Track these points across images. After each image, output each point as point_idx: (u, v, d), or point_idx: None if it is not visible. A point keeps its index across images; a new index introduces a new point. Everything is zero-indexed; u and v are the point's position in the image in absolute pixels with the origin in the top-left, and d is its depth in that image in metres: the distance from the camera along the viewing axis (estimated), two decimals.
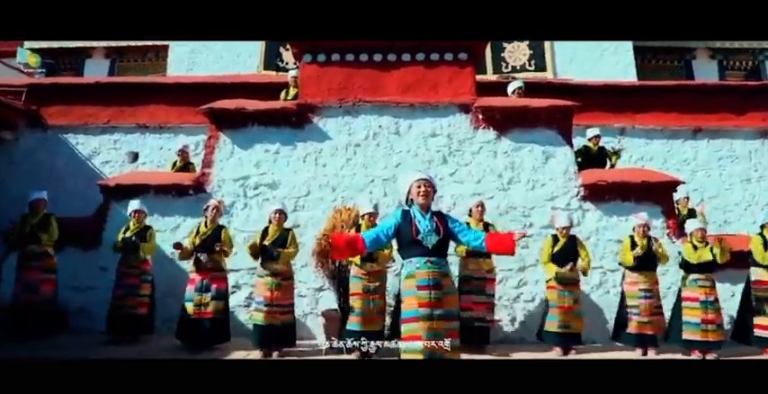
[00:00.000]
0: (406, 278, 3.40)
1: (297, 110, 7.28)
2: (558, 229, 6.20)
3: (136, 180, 7.12)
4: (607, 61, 11.66)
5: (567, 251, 6.05)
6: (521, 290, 6.72)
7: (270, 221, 5.91)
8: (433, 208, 3.51)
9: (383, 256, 5.66)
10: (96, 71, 13.62)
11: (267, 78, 10.23)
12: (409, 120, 7.31)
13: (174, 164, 8.27)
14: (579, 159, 7.41)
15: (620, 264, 6.25)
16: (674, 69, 13.95)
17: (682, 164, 9.49)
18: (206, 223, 6.10)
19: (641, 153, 9.62)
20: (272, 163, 7.18)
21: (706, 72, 13.52)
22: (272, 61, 12.04)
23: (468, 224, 6.08)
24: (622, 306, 6.11)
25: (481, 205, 6.34)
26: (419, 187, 3.46)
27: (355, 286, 5.64)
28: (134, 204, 6.37)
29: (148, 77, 10.62)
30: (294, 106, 7.32)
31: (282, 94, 8.41)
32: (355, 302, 5.57)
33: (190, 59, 12.03)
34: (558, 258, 6.03)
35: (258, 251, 5.77)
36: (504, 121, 7.22)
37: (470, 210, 6.36)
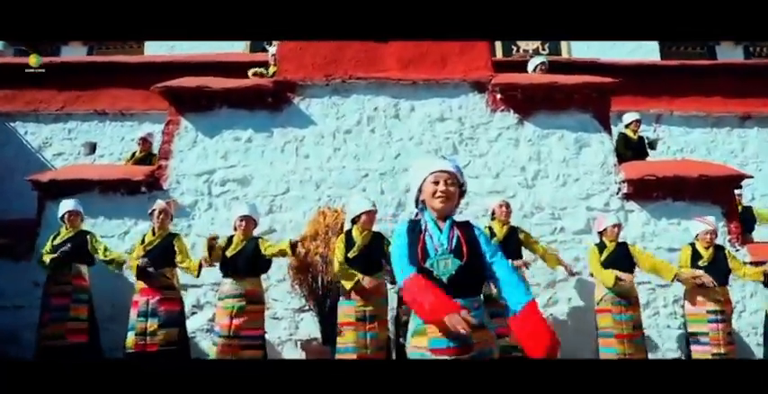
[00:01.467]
0: (412, 335, 2.08)
1: (274, 89, 5.96)
2: (604, 231, 4.88)
3: (75, 174, 5.81)
4: (627, 47, 10.29)
5: (618, 259, 4.73)
6: (550, 310, 5.39)
7: (234, 229, 4.63)
8: (457, 217, 2.20)
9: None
10: None
11: (249, 57, 8.87)
12: (411, 100, 5.98)
13: (133, 155, 6.93)
14: (617, 150, 6.09)
15: (676, 279, 4.90)
16: (698, 56, 12.67)
17: (728, 156, 8.13)
18: (153, 230, 4.80)
19: (680, 144, 8.28)
20: (243, 153, 5.86)
21: (731, 58, 12.24)
22: (259, 44, 10.74)
23: (491, 230, 4.78)
24: (685, 332, 4.80)
25: (506, 204, 5.02)
26: (436, 183, 2.11)
27: (345, 312, 4.32)
28: (67, 205, 5.06)
29: (109, 57, 9.30)
30: (270, 84, 6.00)
31: (251, 73, 6.88)
32: (346, 334, 4.23)
33: (169, 43, 10.69)
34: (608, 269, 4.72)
35: (215, 258, 4.51)
36: (528, 102, 5.88)
37: (493, 211, 5.04)
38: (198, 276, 4.58)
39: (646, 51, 10.36)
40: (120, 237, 5.70)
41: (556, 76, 6.10)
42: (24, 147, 8.05)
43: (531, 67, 6.81)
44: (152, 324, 4.46)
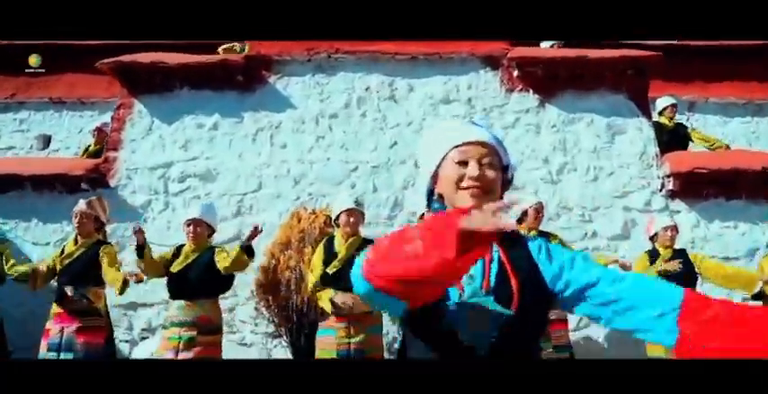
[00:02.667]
0: None
1: (245, 65, 4.98)
2: (655, 236, 3.88)
3: (3, 169, 4.81)
4: None
5: (678, 270, 3.72)
6: (582, 333, 4.37)
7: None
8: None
9: None
10: None
11: None
12: (410, 78, 4.99)
13: (87, 148, 5.95)
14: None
15: (754, 296, 3.87)
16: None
17: None
18: (76, 238, 3.76)
19: (717, 134, 7.25)
20: (206, 143, 4.85)
21: None
22: None
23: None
24: None
25: (540, 206, 3.93)
26: (464, 163, 1.11)
27: (324, 345, 3.29)
28: None
29: (66, 40, 8.32)
30: (241, 60, 5.00)
31: (221, 49, 5.84)
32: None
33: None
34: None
35: (159, 273, 3.52)
36: (551, 81, 4.89)
37: (524, 214, 3.98)
38: (120, 294, 3.51)
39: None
40: (57, 244, 4.68)
41: (586, 50, 5.08)
42: None
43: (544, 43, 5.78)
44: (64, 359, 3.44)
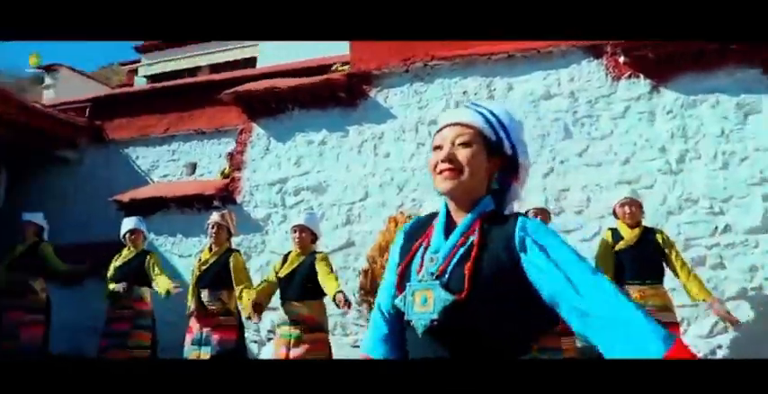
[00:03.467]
0: None
1: (346, 82, 5.25)
2: None
3: (151, 193, 5.59)
4: None
5: None
6: (716, 341, 3.88)
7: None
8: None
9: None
10: None
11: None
12: (508, 77, 4.89)
13: (223, 171, 6.66)
14: None
15: None
16: None
17: None
18: (210, 247, 4.26)
19: None
20: (316, 158, 5.19)
21: None
22: None
23: (615, 232, 3.51)
24: None
25: (631, 202, 3.62)
26: (438, 147, 1.16)
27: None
28: (127, 224, 4.75)
29: (203, 77, 9.38)
30: (343, 77, 5.29)
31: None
32: None
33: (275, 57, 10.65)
34: None
35: (270, 290, 3.85)
36: (665, 63, 4.47)
37: (614, 211, 3.72)
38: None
39: None
40: (197, 256, 5.30)
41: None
42: (136, 172, 8.25)
43: None
44: (204, 353, 3.89)
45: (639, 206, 3.58)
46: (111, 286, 4.51)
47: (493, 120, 1.17)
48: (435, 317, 1.03)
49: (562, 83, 4.71)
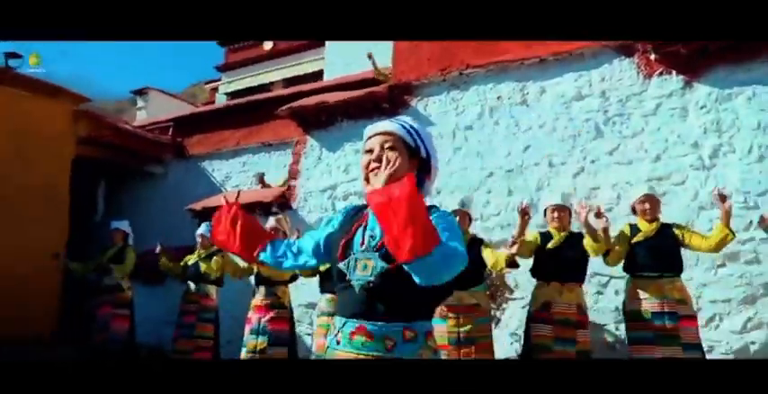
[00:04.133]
0: (325, 356, 1.51)
1: (389, 94, 5.61)
2: None
3: (220, 201, 6.19)
4: None
5: None
6: (750, 336, 3.85)
7: None
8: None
9: None
10: None
11: None
12: (541, 81, 5.05)
13: (285, 181, 7.25)
14: None
15: None
16: None
17: None
18: None
19: None
20: None
21: None
22: None
23: (634, 227, 3.64)
24: None
25: (648, 199, 3.67)
26: (369, 152, 1.50)
27: (438, 333, 3.62)
28: (201, 228, 5.38)
29: (266, 93, 10.09)
30: (385, 89, 5.66)
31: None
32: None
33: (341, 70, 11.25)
34: None
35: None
36: (697, 57, 4.46)
37: (633, 208, 3.82)
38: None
39: None
40: None
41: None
42: (212, 183, 9.07)
43: None
44: (261, 342, 4.40)
45: (657, 202, 3.68)
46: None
47: (411, 130, 1.49)
48: (372, 279, 1.37)
49: (593, 83, 4.80)
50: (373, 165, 1.45)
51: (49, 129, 7.46)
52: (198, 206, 6.36)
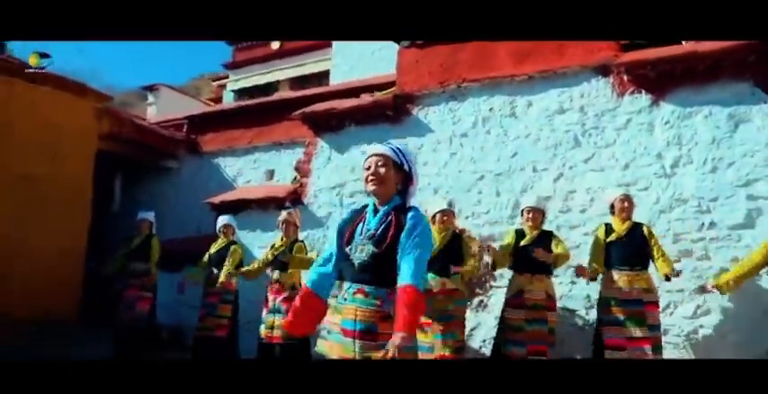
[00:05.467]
0: (332, 311, 2.18)
1: (393, 103, 6.25)
2: None
3: (237, 196, 6.86)
4: None
5: None
6: (699, 321, 4.52)
7: None
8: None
9: None
10: None
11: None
12: (528, 96, 5.68)
13: (295, 179, 7.88)
14: None
15: None
16: None
17: None
18: (282, 238, 5.42)
19: None
20: None
21: None
22: None
23: (609, 227, 4.30)
24: None
25: (626, 198, 4.42)
26: (368, 168, 2.20)
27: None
28: (222, 220, 6.02)
29: (279, 95, 10.69)
30: (390, 99, 6.30)
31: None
32: (423, 334, 4.29)
33: (349, 77, 11.84)
34: None
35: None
36: (663, 80, 5.11)
37: (611, 207, 4.50)
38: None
39: None
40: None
41: (697, 43, 5.18)
42: (224, 179, 9.69)
43: None
44: (277, 319, 5.02)
45: (633, 203, 4.37)
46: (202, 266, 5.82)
47: (398, 151, 2.16)
48: (366, 259, 2.03)
49: (574, 99, 5.45)
50: (370, 177, 2.12)
51: (75, 124, 8.04)
52: (216, 200, 6.99)
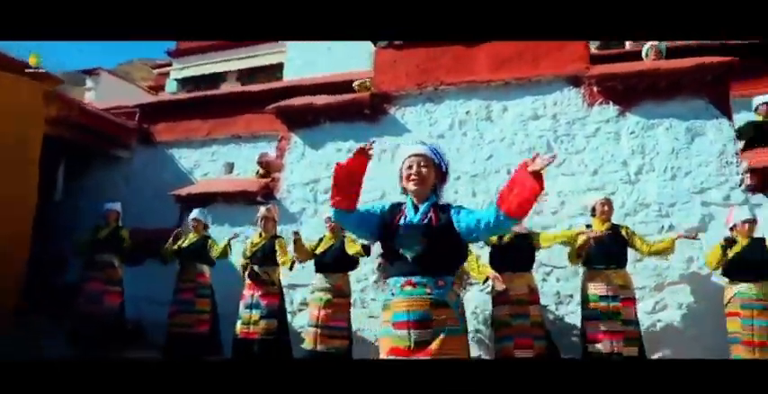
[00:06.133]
0: (382, 310, 2.25)
1: (371, 101, 6.33)
2: (737, 226, 4.49)
3: (205, 189, 6.70)
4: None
5: (752, 258, 4.30)
6: (658, 316, 4.93)
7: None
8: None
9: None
10: None
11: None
12: (504, 101, 5.95)
13: (257, 172, 7.77)
14: (743, 140, 5.41)
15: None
16: None
17: None
18: (260, 233, 5.38)
19: None
20: None
21: None
22: None
23: (590, 228, 4.59)
24: None
25: (607, 202, 4.75)
26: (409, 167, 2.31)
27: None
28: (192, 214, 5.88)
29: (241, 87, 10.51)
30: (367, 97, 6.38)
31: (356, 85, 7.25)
32: None
33: (304, 72, 11.74)
34: (736, 269, 4.34)
35: (302, 253, 4.96)
36: (630, 93, 5.52)
37: (593, 209, 4.81)
38: (291, 270, 5.04)
39: None
40: (242, 242, 6.40)
41: (660, 61, 5.64)
42: (178, 170, 9.39)
43: (644, 52, 6.33)
44: (255, 315, 5.00)
45: (612, 206, 4.69)
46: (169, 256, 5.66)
47: (438, 153, 2.28)
48: (414, 252, 2.14)
49: (547, 106, 5.76)
50: (413, 177, 2.23)
51: (22, 108, 7.54)
52: (183, 192, 6.79)
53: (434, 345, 2.06)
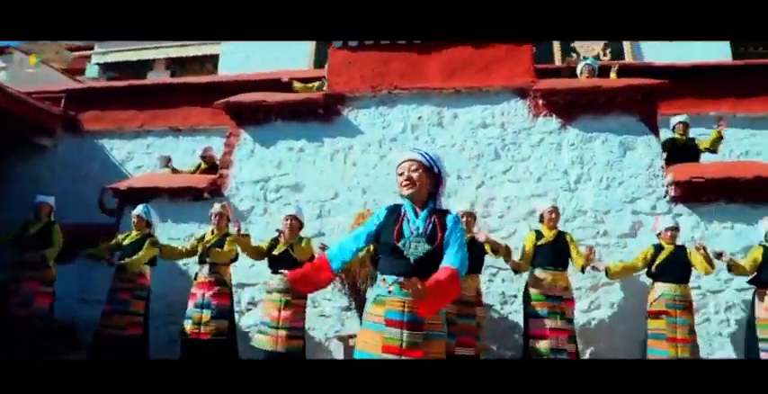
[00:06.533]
0: (373, 302, 2.35)
1: (324, 101, 6.36)
2: (662, 233, 4.92)
3: (147, 183, 6.44)
4: (697, 49, 9.88)
5: (676, 263, 4.76)
6: (593, 314, 5.36)
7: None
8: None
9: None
10: None
11: (311, 73, 9.36)
12: (454, 108, 6.18)
13: (198, 166, 7.56)
14: (664, 154, 5.98)
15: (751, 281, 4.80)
16: None
17: None
18: (213, 231, 5.28)
19: (745, 146, 7.89)
20: (295, 162, 6.27)
21: None
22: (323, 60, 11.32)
23: (539, 233, 4.88)
24: (752, 340, 4.61)
25: (555, 210, 5.08)
26: (401, 174, 2.40)
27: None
28: (135, 210, 5.62)
29: (181, 78, 10.14)
30: (321, 97, 6.40)
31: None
32: None
33: (242, 66, 11.44)
34: (664, 273, 4.76)
35: (260, 256, 4.94)
36: (570, 107, 5.93)
37: (541, 216, 5.11)
38: (233, 262, 5.19)
39: (715, 53, 9.97)
40: (186, 240, 6.22)
41: (599, 79, 6.10)
42: (109, 161, 8.91)
43: (579, 68, 6.81)
44: (205, 315, 4.89)
45: (559, 213, 5.03)
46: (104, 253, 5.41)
47: (429, 157, 2.41)
48: (420, 254, 2.25)
49: (496, 115, 6.06)
50: (405, 182, 2.36)
51: None
52: (123, 186, 6.49)
53: (424, 347, 2.20)
